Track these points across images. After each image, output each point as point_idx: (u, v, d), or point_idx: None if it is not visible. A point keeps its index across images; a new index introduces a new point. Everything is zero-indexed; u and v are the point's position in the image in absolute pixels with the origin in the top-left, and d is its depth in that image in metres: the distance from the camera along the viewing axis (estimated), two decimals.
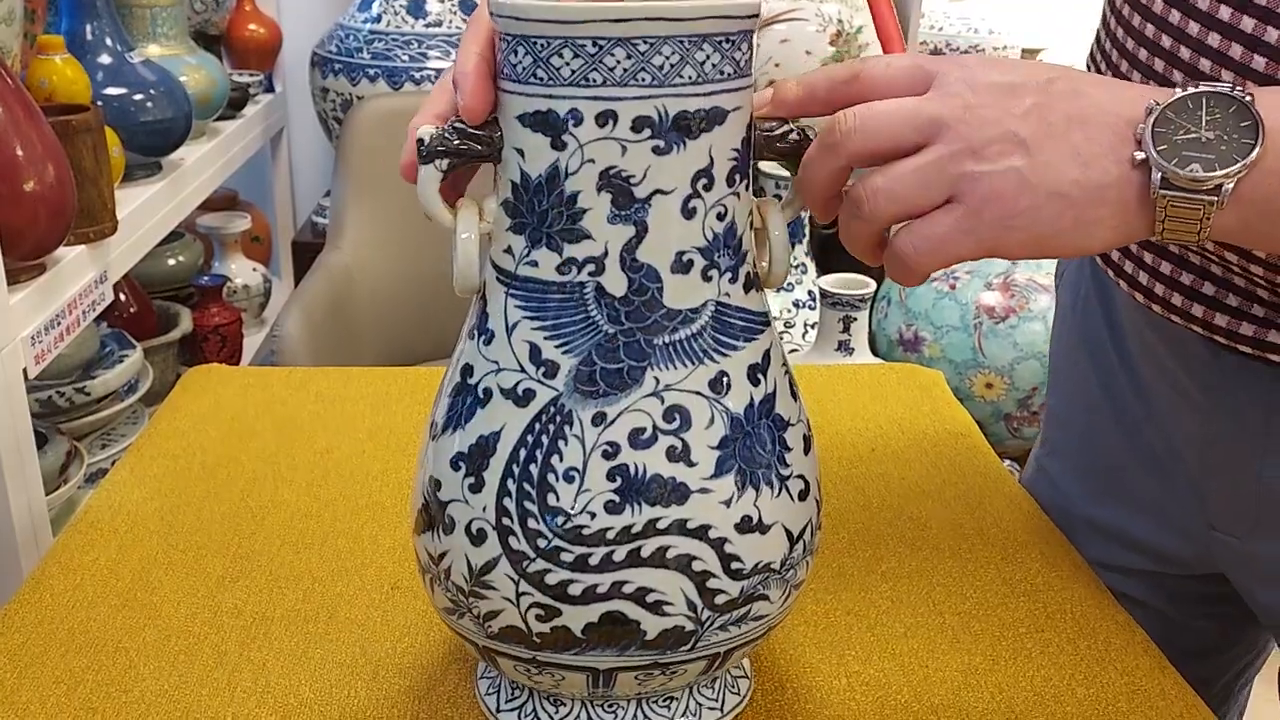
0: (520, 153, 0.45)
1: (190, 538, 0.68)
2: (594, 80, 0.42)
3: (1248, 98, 0.42)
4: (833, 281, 1.44)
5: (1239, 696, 0.77)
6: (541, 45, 0.42)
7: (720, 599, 0.47)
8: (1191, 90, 0.43)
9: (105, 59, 1.22)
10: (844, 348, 1.43)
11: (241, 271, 1.74)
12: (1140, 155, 0.42)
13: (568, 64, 0.42)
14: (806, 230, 1.63)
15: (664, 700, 0.53)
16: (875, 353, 1.49)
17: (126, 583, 0.64)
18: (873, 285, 1.49)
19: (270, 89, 1.88)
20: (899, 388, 0.90)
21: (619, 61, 0.42)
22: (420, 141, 0.45)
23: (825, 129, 0.46)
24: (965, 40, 1.88)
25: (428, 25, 1.69)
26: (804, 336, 1.57)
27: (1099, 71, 0.59)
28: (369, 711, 0.54)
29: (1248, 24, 0.48)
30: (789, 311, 1.59)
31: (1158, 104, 0.42)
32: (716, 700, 0.54)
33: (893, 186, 0.44)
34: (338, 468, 0.77)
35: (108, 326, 1.34)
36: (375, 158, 1.46)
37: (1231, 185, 0.42)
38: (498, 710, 0.53)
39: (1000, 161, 0.42)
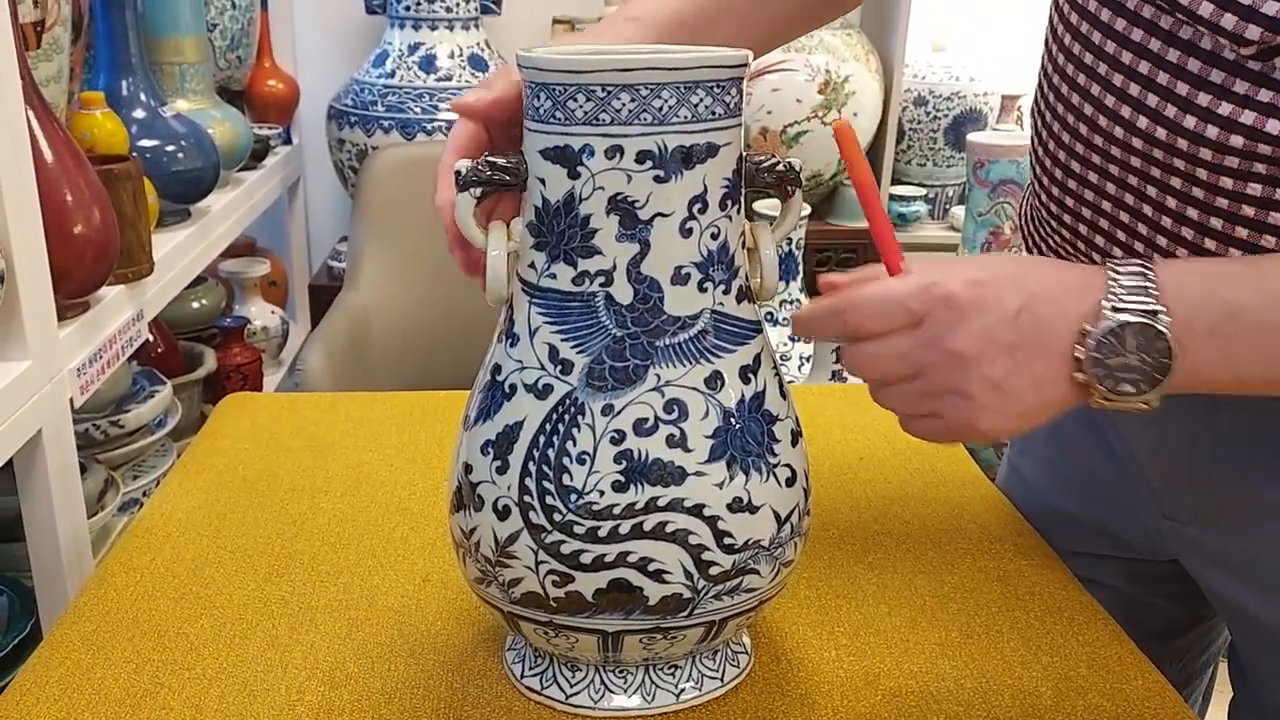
0: (542, 181, 0.52)
1: (237, 540, 0.75)
2: (604, 120, 0.50)
3: (1165, 331, 0.50)
4: None
5: (1204, 675, 0.83)
6: (559, 91, 0.50)
7: (714, 570, 0.53)
8: (1115, 322, 0.50)
9: (140, 113, 1.30)
10: (837, 377, 1.50)
11: (260, 314, 1.82)
12: (1081, 377, 0.51)
13: (581, 106, 0.50)
14: (800, 268, 1.71)
15: (669, 669, 0.59)
16: None
17: (182, 579, 0.70)
18: None
19: (288, 141, 1.97)
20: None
21: (625, 104, 0.49)
22: (458, 173, 0.53)
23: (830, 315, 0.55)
24: (947, 88, 1.97)
25: (438, 80, 1.78)
26: (800, 369, 1.64)
27: (1044, 105, 0.67)
28: (408, 683, 0.61)
29: (1172, 56, 0.55)
30: (785, 345, 1.66)
31: (1089, 330, 0.51)
32: (718, 671, 0.60)
33: (891, 404, 0.55)
34: (369, 479, 0.83)
35: (138, 365, 1.41)
36: (390, 204, 1.54)
37: (1157, 398, 0.52)
38: (521, 677, 0.60)
39: (977, 399, 0.51)
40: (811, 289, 1.78)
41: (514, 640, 0.62)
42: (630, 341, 0.52)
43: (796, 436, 0.57)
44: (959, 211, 2.00)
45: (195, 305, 1.66)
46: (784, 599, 0.69)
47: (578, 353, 0.52)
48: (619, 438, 0.51)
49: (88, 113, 1.17)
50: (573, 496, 0.52)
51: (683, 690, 0.59)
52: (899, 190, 2.01)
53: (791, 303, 1.68)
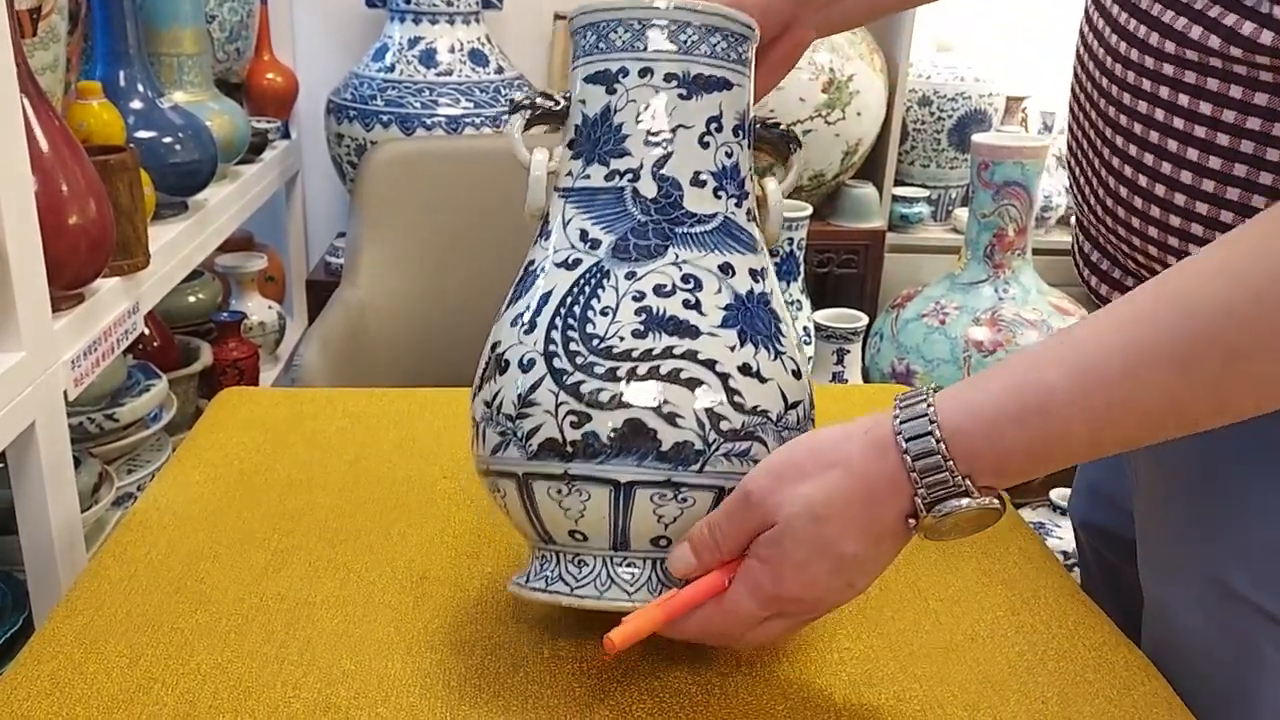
0: (583, 102, 0.61)
1: (233, 534, 0.74)
2: (638, 47, 0.59)
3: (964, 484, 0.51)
4: (827, 316, 1.51)
5: None
6: (603, 26, 0.60)
7: (724, 425, 0.56)
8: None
9: (137, 104, 1.28)
10: (838, 379, 1.49)
11: (257, 309, 1.80)
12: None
13: (621, 37, 0.59)
14: (801, 269, 1.70)
15: None
16: None
17: (177, 573, 0.69)
18: (864, 319, 1.55)
19: (286, 135, 1.95)
20: (888, 405, 0.96)
21: (656, 34, 0.58)
22: (511, 100, 0.58)
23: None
24: (952, 89, 1.96)
25: (438, 74, 1.77)
26: None
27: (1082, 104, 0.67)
28: (405, 680, 0.60)
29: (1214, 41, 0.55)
30: None
31: (914, 523, 0.53)
32: None
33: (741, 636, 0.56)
34: (366, 475, 0.82)
35: (133, 358, 1.40)
36: (389, 200, 1.52)
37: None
38: (528, 581, 0.60)
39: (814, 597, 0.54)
40: (812, 289, 1.78)
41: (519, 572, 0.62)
42: (653, 225, 0.58)
43: (800, 346, 0.61)
44: (962, 213, 1.99)
45: (192, 299, 1.65)
46: None
47: (605, 232, 0.58)
48: (640, 296, 0.56)
49: (84, 103, 1.16)
50: (594, 341, 0.56)
51: None
52: (902, 191, 2.01)
53: (793, 303, 1.67)
